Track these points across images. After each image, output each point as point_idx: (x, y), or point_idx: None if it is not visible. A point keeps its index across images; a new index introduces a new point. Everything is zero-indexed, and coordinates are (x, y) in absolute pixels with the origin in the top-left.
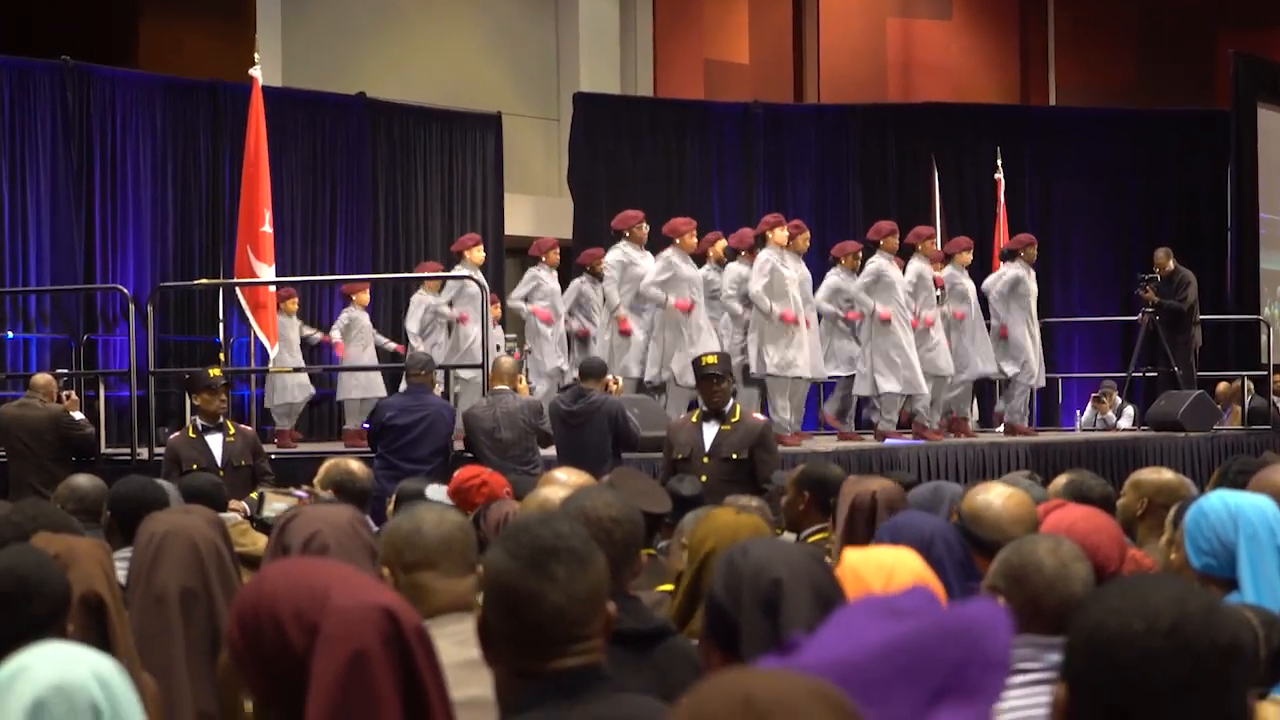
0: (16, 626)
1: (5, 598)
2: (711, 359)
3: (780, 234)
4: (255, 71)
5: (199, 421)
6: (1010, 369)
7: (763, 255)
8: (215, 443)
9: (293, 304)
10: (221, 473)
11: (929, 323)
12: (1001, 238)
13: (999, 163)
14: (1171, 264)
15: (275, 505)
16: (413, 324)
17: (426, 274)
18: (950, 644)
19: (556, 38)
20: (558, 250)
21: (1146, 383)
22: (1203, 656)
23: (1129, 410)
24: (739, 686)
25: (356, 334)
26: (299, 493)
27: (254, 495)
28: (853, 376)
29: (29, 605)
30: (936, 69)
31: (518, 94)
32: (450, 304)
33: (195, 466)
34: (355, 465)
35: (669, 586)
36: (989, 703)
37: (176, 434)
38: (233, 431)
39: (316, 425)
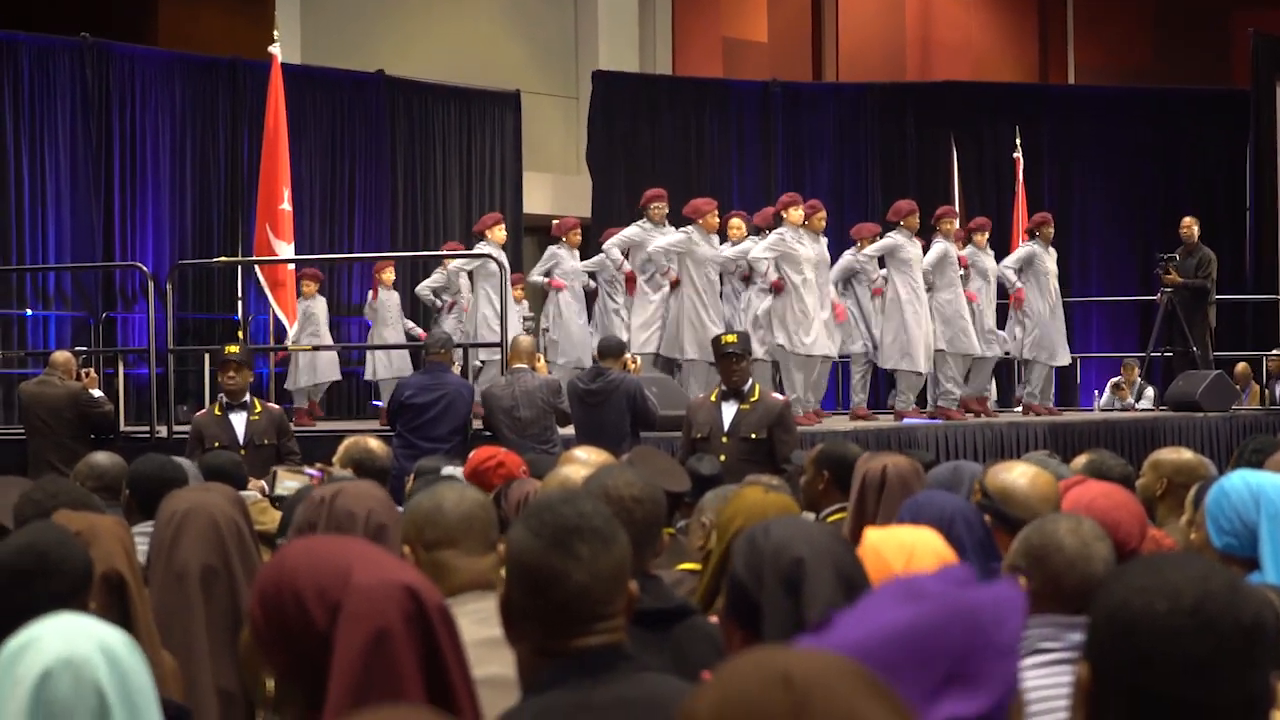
0: (38, 602)
1: (26, 573)
2: (731, 338)
3: (796, 213)
4: (274, 49)
5: (223, 399)
6: (1022, 340)
7: (776, 232)
8: (239, 421)
9: (313, 285)
10: (243, 451)
11: (972, 298)
12: (1021, 217)
13: (1018, 142)
14: (1197, 233)
15: (287, 483)
16: (425, 289)
17: (447, 252)
18: (960, 630)
19: (575, 15)
20: (579, 230)
21: (1164, 362)
22: (1226, 635)
23: (1149, 391)
24: (776, 664)
25: (384, 313)
26: (311, 471)
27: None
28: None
29: (50, 581)
30: (955, 48)
31: (536, 72)
32: (436, 293)
33: (217, 444)
34: (374, 443)
35: (689, 565)
36: (997, 691)
37: (201, 411)
38: (258, 410)
39: (336, 404)
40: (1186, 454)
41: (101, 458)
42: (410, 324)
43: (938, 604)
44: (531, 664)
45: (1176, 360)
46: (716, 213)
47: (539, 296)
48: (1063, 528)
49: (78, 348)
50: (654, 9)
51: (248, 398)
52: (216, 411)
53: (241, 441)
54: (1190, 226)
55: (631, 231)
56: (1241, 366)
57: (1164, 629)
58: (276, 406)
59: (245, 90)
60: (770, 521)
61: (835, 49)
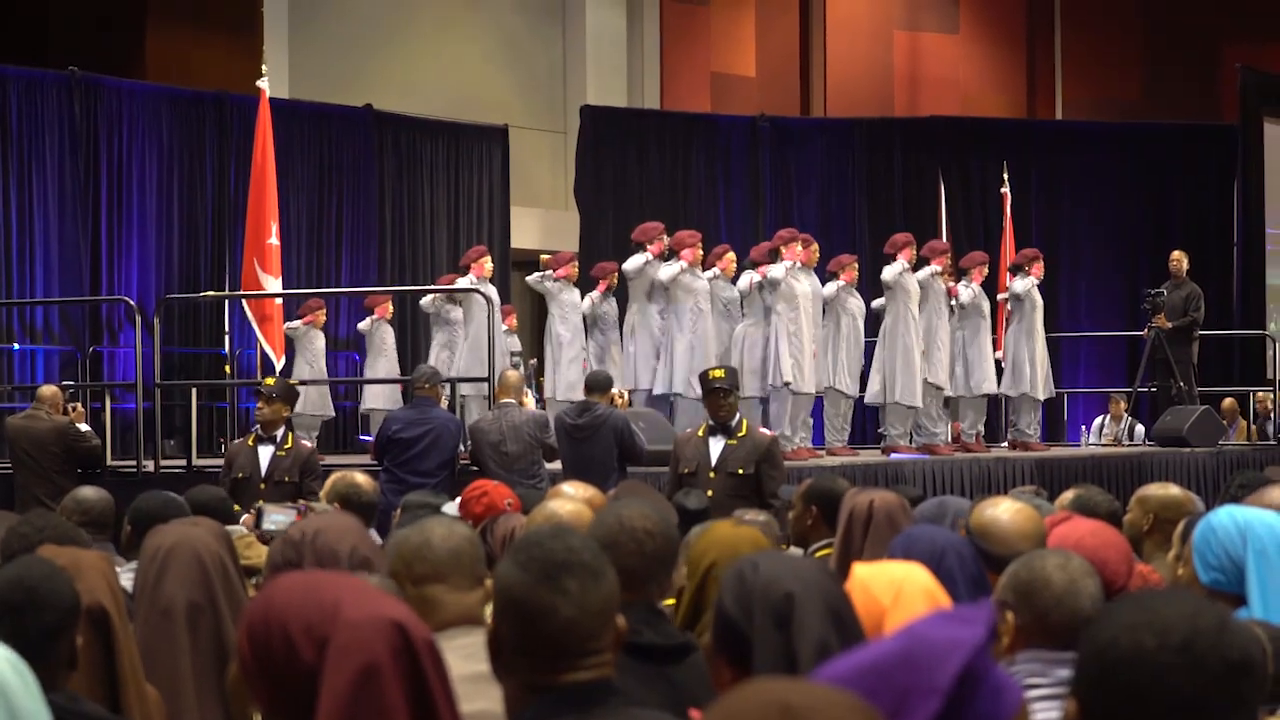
0: (26, 636)
1: (14, 607)
2: (719, 373)
3: (796, 249)
4: (262, 83)
5: (258, 430)
6: (1011, 384)
7: (776, 267)
8: (265, 454)
9: (322, 315)
10: (263, 484)
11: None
12: (1008, 252)
13: (1005, 177)
14: (1186, 268)
15: (275, 518)
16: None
17: (433, 288)
18: (905, 669)
19: (563, 50)
20: (576, 264)
21: (1150, 398)
22: (1215, 673)
23: (1139, 429)
24: (775, 695)
25: (379, 346)
26: (294, 507)
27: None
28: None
29: (39, 615)
30: (943, 83)
31: (524, 106)
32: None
33: (241, 475)
34: (361, 478)
35: (671, 601)
36: None
37: (239, 440)
38: (288, 445)
39: (324, 438)
40: (1173, 489)
41: (88, 492)
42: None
43: (898, 641)
44: (519, 699)
45: (1160, 396)
46: (700, 245)
47: (530, 336)
48: (1050, 564)
49: (64, 382)
50: (642, 44)
51: (280, 432)
52: (250, 442)
53: (263, 475)
54: (1179, 261)
55: (637, 259)
56: (1228, 402)
57: (1153, 666)
58: (308, 445)
59: (233, 124)
60: (758, 556)
61: (823, 84)
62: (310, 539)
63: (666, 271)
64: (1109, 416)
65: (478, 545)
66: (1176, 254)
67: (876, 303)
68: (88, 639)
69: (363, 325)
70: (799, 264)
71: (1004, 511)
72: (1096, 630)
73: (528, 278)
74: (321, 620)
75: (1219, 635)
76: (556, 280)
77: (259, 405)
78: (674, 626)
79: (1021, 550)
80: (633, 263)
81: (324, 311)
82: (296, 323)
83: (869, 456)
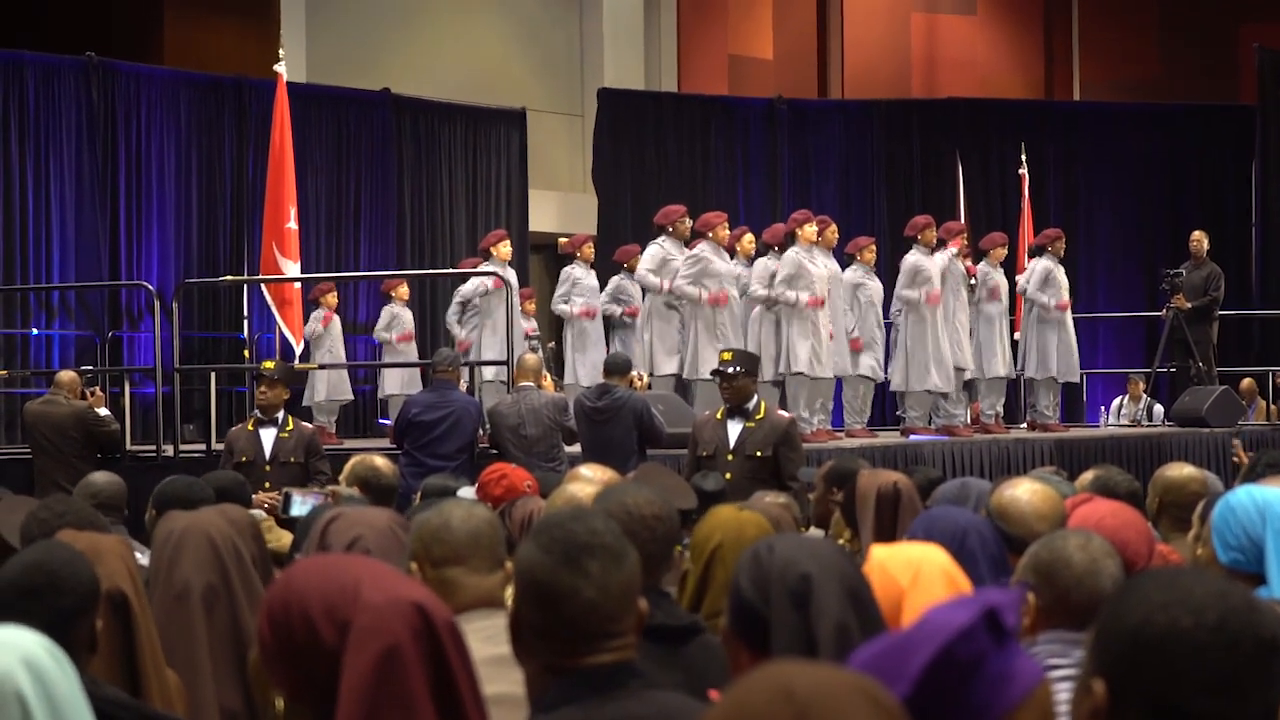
0: (45, 619)
1: (34, 590)
2: (726, 355)
3: (809, 230)
4: (280, 68)
5: (257, 414)
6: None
7: (789, 254)
8: (268, 437)
9: (332, 298)
10: (268, 467)
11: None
12: (1026, 233)
13: (1023, 158)
14: (1206, 247)
15: (302, 502)
16: (451, 315)
17: (452, 270)
18: (892, 655)
19: (581, 33)
20: (592, 244)
21: (1169, 379)
22: (1248, 651)
23: (1157, 409)
24: (780, 679)
25: (398, 330)
26: (321, 492)
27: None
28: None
29: (58, 599)
30: (961, 64)
31: (542, 90)
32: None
33: (244, 459)
34: (380, 461)
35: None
36: None
37: (238, 425)
38: (289, 428)
39: (344, 422)
40: (1186, 470)
41: (99, 477)
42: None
43: (912, 626)
44: (540, 681)
45: (1179, 376)
46: (726, 225)
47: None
48: (1071, 544)
49: (83, 367)
50: (659, 26)
51: (280, 415)
52: (249, 426)
53: (267, 458)
54: (1200, 241)
55: (655, 251)
56: (1247, 382)
57: (1190, 644)
58: (309, 426)
59: (251, 109)
60: (774, 539)
61: (841, 66)
62: (323, 528)
63: (678, 278)
64: (1127, 397)
65: (498, 528)
66: (1197, 234)
67: (909, 292)
68: (107, 623)
69: (381, 333)
70: (814, 246)
71: (1024, 492)
72: (1124, 610)
73: (554, 307)
74: (343, 603)
75: (1250, 614)
76: (576, 266)
77: (261, 389)
78: (681, 608)
79: (1041, 531)
80: (651, 250)
81: (334, 294)
82: (315, 324)
83: (888, 438)
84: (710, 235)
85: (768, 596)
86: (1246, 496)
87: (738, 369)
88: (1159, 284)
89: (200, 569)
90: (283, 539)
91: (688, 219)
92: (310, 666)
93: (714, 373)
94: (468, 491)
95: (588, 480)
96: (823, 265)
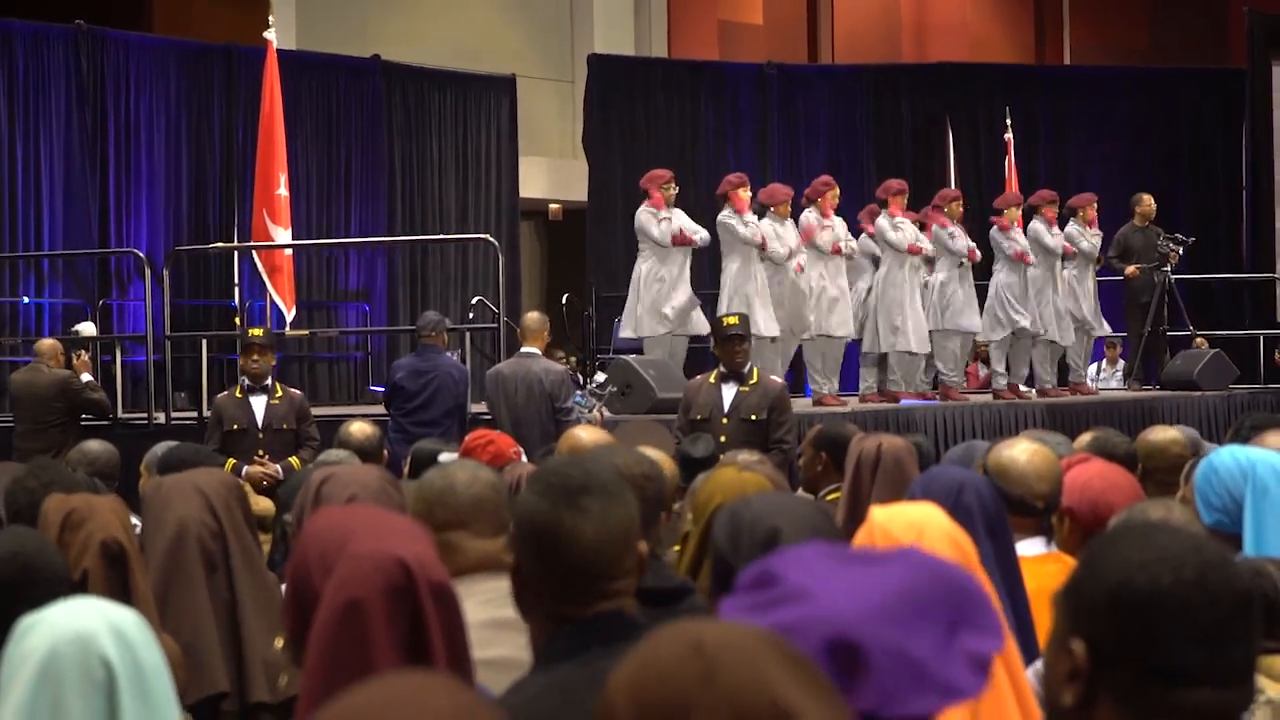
0: (20, 611)
1: (12, 583)
2: (733, 319)
3: (832, 196)
4: (269, 35)
5: (245, 381)
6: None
7: (806, 217)
8: (259, 404)
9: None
10: (261, 434)
11: (1025, 259)
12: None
13: (1008, 123)
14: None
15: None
16: None
17: (442, 237)
18: (940, 584)
19: None
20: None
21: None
22: (1228, 604)
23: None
24: (689, 634)
25: None
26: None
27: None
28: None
29: (34, 589)
30: (951, 29)
31: (532, 56)
32: None
33: (235, 427)
34: (354, 426)
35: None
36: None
37: (223, 393)
38: (279, 394)
39: (335, 389)
40: (1168, 433)
41: (94, 444)
42: None
43: (907, 564)
44: (544, 631)
45: (1151, 341)
46: (747, 186)
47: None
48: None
49: (73, 327)
50: None
51: (269, 381)
52: (238, 394)
53: (260, 425)
54: (1150, 203)
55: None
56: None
57: (1173, 601)
58: (298, 391)
59: (240, 76)
60: (753, 495)
61: (831, 31)
62: (316, 488)
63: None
64: (1104, 360)
65: (501, 492)
66: (1147, 196)
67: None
68: (105, 575)
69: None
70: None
71: (1021, 452)
72: (1101, 570)
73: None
74: (331, 550)
75: (1225, 567)
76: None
77: (252, 357)
78: (670, 569)
79: (1038, 490)
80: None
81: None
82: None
83: (878, 404)
84: (774, 210)
85: (739, 550)
86: (1230, 457)
87: (744, 333)
88: (1154, 249)
89: (193, 509)
90: (259, 503)
91: (673, 184)
92: (303, 609)
93: (723, 338)
94: (449, 456)
95: (587, 431)
96: (824, 231)
